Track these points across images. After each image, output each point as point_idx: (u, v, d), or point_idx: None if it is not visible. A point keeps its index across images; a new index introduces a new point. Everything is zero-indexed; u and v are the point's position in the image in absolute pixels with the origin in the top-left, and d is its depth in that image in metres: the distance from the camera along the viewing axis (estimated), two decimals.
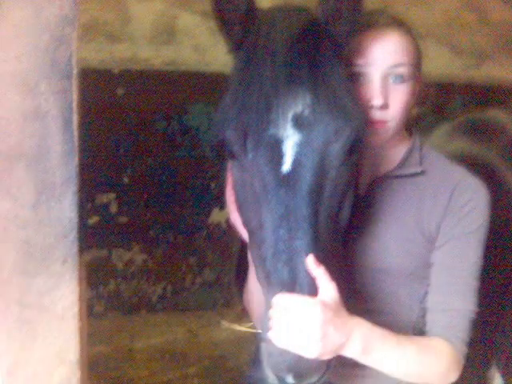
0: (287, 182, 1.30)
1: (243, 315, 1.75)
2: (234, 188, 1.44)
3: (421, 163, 1.56)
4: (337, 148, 1.32)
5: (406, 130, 1.60)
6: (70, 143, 1.24)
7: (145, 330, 4.20)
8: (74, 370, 1.31)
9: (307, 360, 1.26)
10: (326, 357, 1.28)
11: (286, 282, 1.27)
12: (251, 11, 1.39)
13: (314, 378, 1.31)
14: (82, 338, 1.31)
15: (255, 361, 1.61)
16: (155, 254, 4.44)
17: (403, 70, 1.46)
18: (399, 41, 1.47)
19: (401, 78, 1.46)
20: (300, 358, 1.26)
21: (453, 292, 1.49)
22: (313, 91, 1.31)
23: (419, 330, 1.55)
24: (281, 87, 1.30)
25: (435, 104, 1.71)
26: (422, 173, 1.55)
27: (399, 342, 1.38)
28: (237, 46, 1.41)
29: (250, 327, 1.63)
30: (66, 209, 1.25)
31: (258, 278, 1.38)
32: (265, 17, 1.40)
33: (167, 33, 4.33)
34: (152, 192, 4.34)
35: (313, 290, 1.28)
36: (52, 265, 1.26)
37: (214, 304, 4.57)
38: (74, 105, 1.23)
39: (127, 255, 4.39)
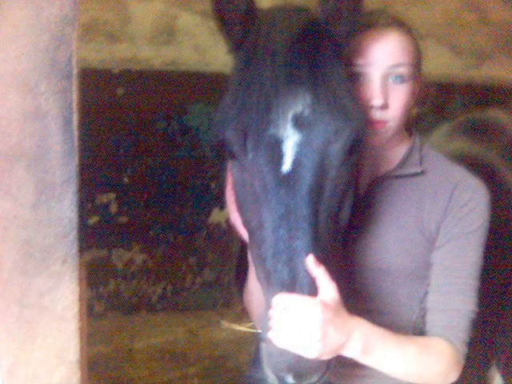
0: (287, 182, 1.30)
1: (243, 315, 1.75)
2: (234, 188, 1.44)
3: (421, 163, 1.56)
4: (337, 148, 1.32)
5: (406, 130, 1.60)
6: (70, 143, 1.24)
7: (145, 329, 4.20)
8: (74, 370, 1.31)
9: (307, 360, 1.26)
10: (326, 357, 1.28)
11: (286, 281, 1.27)
12: (251, 11, 1.39)
13: (314, 378, 1.31)
14: (82, 338, 1.31)
15: (255, 361, 1.61)
16: (155, 254, 4.44)
17: (403, 70, 1.46)
18: (399, 41, 1.47)
19: (401, 78, 1.46)
20: (300, 358, 1.26)
21: (453, 292, 1.49)
22: (313, 91, 1.31)
23: (419, 330, 1.55)
24: (281, 87, 1.30)
25: (435, 104, 1.71)
26: (422, 173, 1.55)
27: (399, 341, 1.38)
28: (237, 45, 1.40)
29: (250, 327, 1.63)
30: (65, 209, 1.25)
31: (258, 278, 1.38)
32: (265, 17, 1.40)
33: (167, 33, 4.33)
34: (152, 192, 4.34)
35: (313, 290, 1.28)
36: (52, 265, 1.26)
37: (214, 304, 4.57)
38: (74, 105, 1.23)
39: (127, 255, 4.39)
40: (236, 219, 1.49)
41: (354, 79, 1.44)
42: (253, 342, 1.68)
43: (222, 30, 1.41)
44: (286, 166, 1.31)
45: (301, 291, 1.27)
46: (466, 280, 1.50)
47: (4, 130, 1.20)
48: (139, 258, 4.42)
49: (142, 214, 4.34)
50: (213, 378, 3.66)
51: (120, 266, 4.38)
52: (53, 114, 1.22)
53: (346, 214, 1.40)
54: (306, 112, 1.30)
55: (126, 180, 4.29)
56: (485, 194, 1.53)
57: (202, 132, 4.32)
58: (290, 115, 1.30)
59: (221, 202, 4.17)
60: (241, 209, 1.43)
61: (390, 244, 1.52)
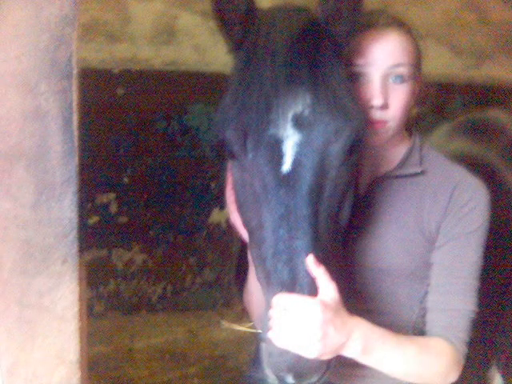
0: (287, 182, 1.30)
1: (243, 315, 1.75)
2: (234, 188, 1.44)
3: (421, 163, 1.56)
4: (337, 148, 1.32)
5: (406, 129, 1.60)
6: (70, 143, 1.24)
7: (145, 330, 4.20)
8: (74, 370, 1.31)
9: (307, 360, 1.26)
10: (326, 357, 1.28)
11: (286, 281, 1.27)
12: (251, 11, 1.39)
13: (314, 378, 1.31)
14: (82, 338, 1.31)
15: (255, 361, 1.61)
16: (155, 253, 4.44)
17: (403, 70, 1.46)
18: (399, 41, 1.47)
19: (401, 78, 1.46)
20: (300, 358, 1.26)
21: (453, 292, 1.49)
22: (313, 91, 1.31)
23: (419, 330, 1.55)
24: (281, 87, 1.30)
25: (435, 104, 1.71)
26: (422, 173, 1.55)
27: (399, 341, 1.38)
28: (237, 45, 1.41)
29: (250, 327, 1.63)
30: (66, 209, 1.25)
31: (258, 278, 1.38)
32: (265, 17, 1.40)
33: (167, 33, 4.33)
34: (152, 192, 4.34)
35: (313, 290, 1.27)
36: (52, 265, 1.26)
37: (214, 304, 4.57)
38: (74, 105, 1.23)
39: (127, 255, 4.39)
40: (236, 219, 1.49)
41: (354, 79, 1.44)
42: (253, 342, 1.68)
43: (221, 30, 1.41)
44: (286, 166, 1.31)
45: (301, 291, 1.27)
46: (466, 280, 1.50)
47: (4, 130, 1.20)
48: (139, 258, 4.42)
49: (142, 214, 4.34)
50: (213, 377, 3.66)
51: (120, 266, 4.38)
52: (53, 114, 1.22)
53: (346, 214, 1.40)
54: (306, 112, 1.30)
55: (125, 180, 4.29)
56: (485, 194, 1.53)
57: (202, 132, 4.33)
58: (290, 115, 1.30)
59: (221, 202, 4.17)
60: (241, 209, 1.43)
61: (390, 244, 1.52)
